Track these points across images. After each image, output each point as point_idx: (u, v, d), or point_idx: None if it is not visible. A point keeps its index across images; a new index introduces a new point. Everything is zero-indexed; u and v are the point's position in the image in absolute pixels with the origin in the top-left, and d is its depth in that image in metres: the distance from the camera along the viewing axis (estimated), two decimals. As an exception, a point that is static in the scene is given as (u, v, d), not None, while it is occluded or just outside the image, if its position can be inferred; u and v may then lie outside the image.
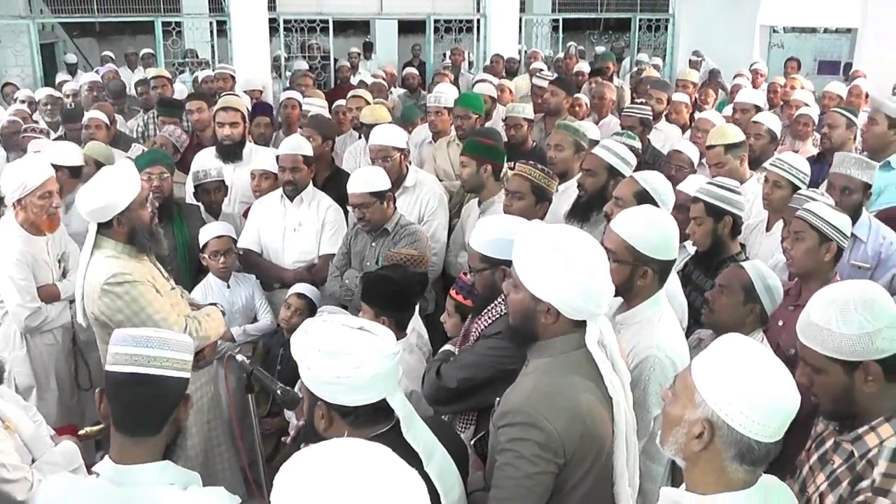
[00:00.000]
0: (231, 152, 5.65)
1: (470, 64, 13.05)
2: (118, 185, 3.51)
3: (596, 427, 2.25)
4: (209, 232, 4.69)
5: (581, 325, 2.31)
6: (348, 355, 2.06)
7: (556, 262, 2.22)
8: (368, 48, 15.68)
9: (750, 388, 1.78)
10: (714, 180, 4.02)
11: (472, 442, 2.94)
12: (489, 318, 3.03)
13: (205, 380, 3.93)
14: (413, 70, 11.06)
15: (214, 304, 4.05)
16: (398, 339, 3.48)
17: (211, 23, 12.07)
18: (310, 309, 4.52)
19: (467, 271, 3.33)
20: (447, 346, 3.33)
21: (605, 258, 2.34)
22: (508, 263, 2.93)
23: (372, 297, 3.50)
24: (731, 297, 3.16)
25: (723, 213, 3.79)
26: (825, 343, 2.16)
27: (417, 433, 2.17)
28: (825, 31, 14.30)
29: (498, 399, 2.36)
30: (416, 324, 3.73)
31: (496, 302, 3.01)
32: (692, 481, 1.92)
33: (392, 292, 3.52)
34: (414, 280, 3.71)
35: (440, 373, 3.08)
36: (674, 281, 3.51)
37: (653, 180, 3.78)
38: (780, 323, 3.39)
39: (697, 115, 6.77)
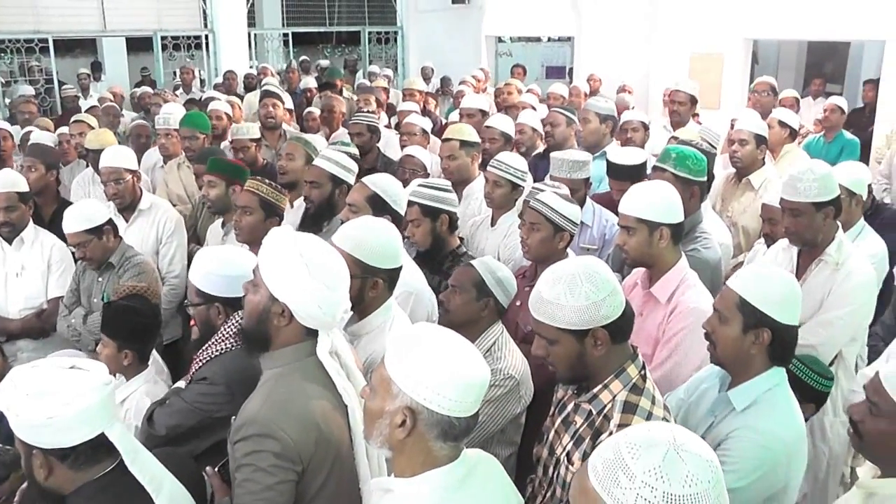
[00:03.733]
0: None
1: (202, 82, 12.74)
2: None
3: (331, 432, 2.29)
4: None
5: (313, 335, 2.34)
6: (56, 393, 1.99)
7: (298, 267, 2.25)
8: (97, 68, 14.91)
9: (441, 370, 1.88)
10: (424, 181, 4.17)
11: (217, 468, 2.86)
12: (200, 360, 2.93)
13: None
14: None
15: None
16: (140, 371, 3.38)
17: None
18: None
19: None
20: (180, 382, 3.18)
21: (347, 273, 2.39)
22: (223, 301, 2.93)
23: (114, 330, 3.34)
24: (464, 295, 3.30)
25: (438, 213, 3.94)
26: (556, 316, 2.32)
27: (144, 465, 2.13)
28: (549, 39, 15.19)
29: (233, 417, 2.33)
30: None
31: (209, 343, 2.93)
32: (399, 467, 2.00)
33: (135, 324, 3.36)
34: (157, 310, 3.57)
35: (152, 419, 2.95)
36: (420, 279, 3.63)
37: (382, 183, 3.86)
38: (518, 303, 3.58)
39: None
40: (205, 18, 12.84)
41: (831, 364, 3.65)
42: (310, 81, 10.21)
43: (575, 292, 2.29)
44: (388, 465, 2.51)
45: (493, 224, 4.61)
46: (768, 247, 4.24)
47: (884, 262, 4.13)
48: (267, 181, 4.23)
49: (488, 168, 4.58)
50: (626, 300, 2.41)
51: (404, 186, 4.41)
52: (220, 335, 2.89)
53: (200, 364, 2.91)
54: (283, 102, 7.23)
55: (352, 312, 2.94)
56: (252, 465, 2.18)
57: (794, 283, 2.67)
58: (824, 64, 14.95)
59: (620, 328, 2.37)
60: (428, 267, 3.88)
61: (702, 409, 2.74)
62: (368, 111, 6.71)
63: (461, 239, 4.23)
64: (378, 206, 3.73)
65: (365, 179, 3.96)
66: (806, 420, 2.67)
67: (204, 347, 2.94)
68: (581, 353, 2.35)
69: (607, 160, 4.72)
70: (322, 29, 15.71)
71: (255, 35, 14.39)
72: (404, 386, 1.89)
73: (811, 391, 3.24)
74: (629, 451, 1.46)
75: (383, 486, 2.06)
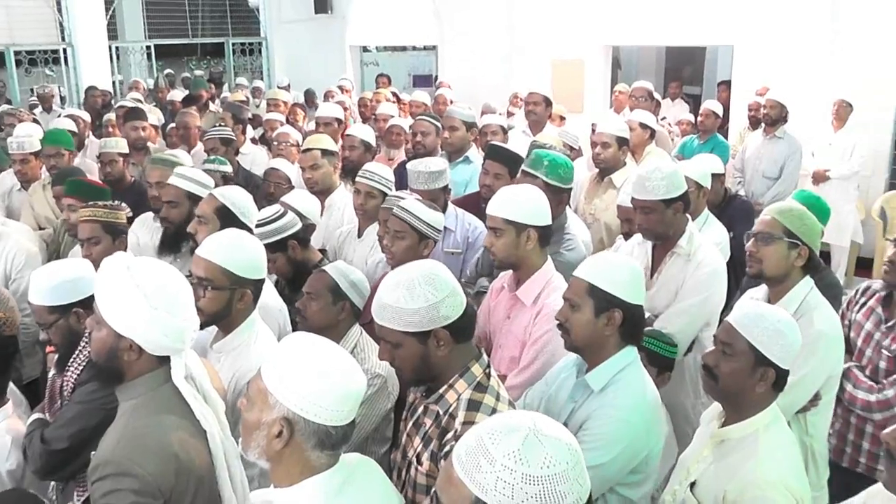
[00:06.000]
0: None
1: (62, 99, 12.26)
2: None
3: (191, 461, 2.25)
4: None
5: (167, 360, 2.31)
6: None
7: (136, 299, 2.21)
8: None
9: (317, 380, 1.90)
10: (258, 219, 3.96)
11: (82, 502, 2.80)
12: (79, 364, 2.90)
13: None
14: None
15: None
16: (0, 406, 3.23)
17: None
18: None
19: None
20: (35, 415, 3.11)
21: (190, 292, 2.36)
22: (81, 304, 2.90)
23: None
24: (320, 301, 3.33)
25: (284, 243, 3.90)
26: (398, 319, 2.35)
27: None
28: (415, 48, 15.31)
29: (93, 452, 2.28)
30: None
31: (79, 350, 2.90)
32: (278, 477, 2.01)
33: None
34: (8, 340, 3.36)
35: (45, 438, 2.87)
36: (272, 294, 3.60)
37: (231, 195, 3.81)
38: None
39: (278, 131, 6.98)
40: (62, 31, 12.35)
41: (689, 349, 3.87)
42: (175, 94, 9.96)
43: (414, 295, 2.33)
44: (252, 485, 2.53)
45: (359, 235, 4.61)
46: (626, 242, 4.43)
47: (726, 249, 4.46)
48: (101, 203, 4.11)
49: (359, 179, 4.54)
50: (467, 301, 2.47)
51: (271, 200, 4.39)
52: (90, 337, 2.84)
53: (80, 368, 2.88)
54: (145, 120, 7.03)
55: (216, 329, 2.95)
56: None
57: (635, 265, 2.86)
58: (683, 68, 15.63)
59: (461, 328, 2.42)
60: (296, 293, 3.73)
61: (562, 397, 2.87)
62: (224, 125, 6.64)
63: (323, 252, 4.21)
64: (227, 218, 3.68)
65: (214, 191, 3.92)
66: (659, 387, 2.92)
67: (74, 356, 2.91)
68: (424, 354, 2.39)
69: (489, 144, 4.80)
70: (185, 41, 15.45)
71: (118, 48, 13.98)
72: (281, 396, 1.90)
73: (665, 360, 3.53)
74: (490, 437, 1.51)
75: (263, 497, 2.05)
